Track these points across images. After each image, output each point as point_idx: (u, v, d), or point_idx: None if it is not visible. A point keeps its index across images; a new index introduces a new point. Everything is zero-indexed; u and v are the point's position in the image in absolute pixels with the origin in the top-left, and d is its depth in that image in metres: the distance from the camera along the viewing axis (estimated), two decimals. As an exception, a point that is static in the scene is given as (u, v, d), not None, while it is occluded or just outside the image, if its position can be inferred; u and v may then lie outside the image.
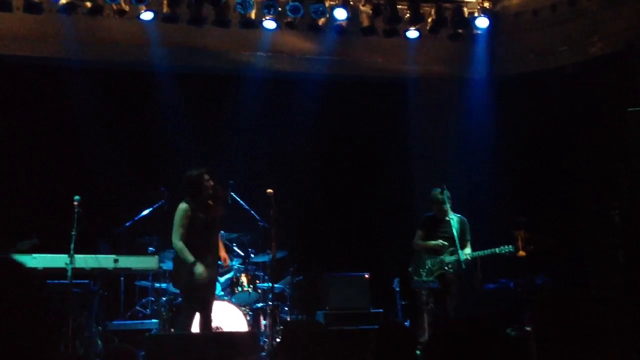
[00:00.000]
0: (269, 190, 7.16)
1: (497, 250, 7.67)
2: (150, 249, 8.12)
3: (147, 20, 8.92)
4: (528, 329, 7.23)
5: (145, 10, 8.83)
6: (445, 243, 7.73)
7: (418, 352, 4.66)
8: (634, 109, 7.12)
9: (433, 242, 7.81)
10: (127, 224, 8.15)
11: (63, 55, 9.06)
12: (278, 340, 7.98)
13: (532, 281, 8.33)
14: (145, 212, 8.22)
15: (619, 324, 6.45)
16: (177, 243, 6.72)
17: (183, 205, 6.80)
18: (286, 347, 3.63)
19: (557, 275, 8.22)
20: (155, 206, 8.21)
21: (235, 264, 8.25)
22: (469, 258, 7.64)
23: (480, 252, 7.70)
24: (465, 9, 9.45)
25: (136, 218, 8.19)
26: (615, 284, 7.21)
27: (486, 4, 9.47)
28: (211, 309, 6.97)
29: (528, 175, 9.49)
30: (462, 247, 7.66)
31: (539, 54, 9.81)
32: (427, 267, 7.79)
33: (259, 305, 8.24)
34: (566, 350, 2.43)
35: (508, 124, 9.74)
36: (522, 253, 7.77)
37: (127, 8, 8.61)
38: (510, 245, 7.61)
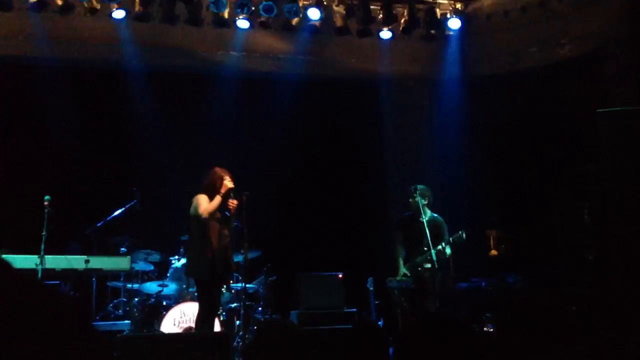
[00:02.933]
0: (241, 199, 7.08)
1: (450, 239, 7.59)
2: (122, 249, 8.05)
3: (118, 19, 8.84)
4: (488, 329, 7.32)
5: (117, 9, 8.74)
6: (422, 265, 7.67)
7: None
8: (603, 110, 7.23)
9: (403, 270, 7.77)
10: (99, 224, 8.06)
11: (33, 54, 8.94)
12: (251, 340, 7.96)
13: (503, 280, 8.41)
14: (117, 212, 8.14)
15: (588, 322, 6.55)
16: (204, 212, 6.71)
17: (203, 195, 6.85)
18: (259, 348, 3.62)
19: (529, 275, 8.32)
20: (127, 206, 8.14)
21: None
22: (441, 257, 7.56)
23: (439, 247, 7.59)
24: (437, 10, 9.51)
25: (108, 218, 8.10)
26: (585, 283, 7.31)
27: (458, 6, 9.55)
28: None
29: (500, 175, 9.58)
30: (435, 247, 7.57)
31: (510, 55, 9.92)
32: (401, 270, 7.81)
33: (232, 305, 8.20)
34: (524, 353, 2.46)
35: (480, 124, 9.83)
36: (494, 252, 7.84)
37: (98, 6, 8.51)
38: (461, 231, 7.53)
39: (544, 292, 2.79)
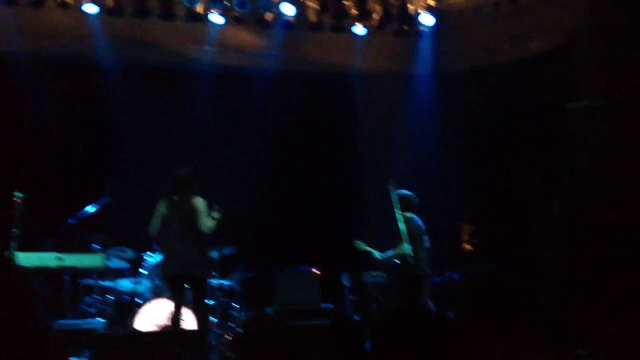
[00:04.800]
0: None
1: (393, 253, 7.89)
2: (96, 246, 7.94)
3: (91, 14, 8.75)
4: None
5: (88, 2, 8.65)
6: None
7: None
8: (572, 105, 7.32)
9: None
10: (71, 220, 7.95)
11: (4, 48, 8.81)
12: (229, 337, 7.94)
13: (475, 272, 8.47)
14: (91, 208, 8.05)
15: (558, 315, 6.65)
16: (212, 222, 6.95)
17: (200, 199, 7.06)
18: (246, 342, 3.61)
19: (502, 268, 8.40)
20: (100, 203, 8.05)
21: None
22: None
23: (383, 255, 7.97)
24: (410, 6, 9.57)
25: (80, 215, 8.00)
26: (557, 278, 7.41)
27: (430, 1, 9.59)
28: None
29: (474, 169, 9.65)
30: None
31: (483, 50, 9.98)
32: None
33: (209, 302, 8.17)
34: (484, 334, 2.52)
35: (453, 119, 9.90)
36: (467, 246, 7.92)
37: (70, 0, 8.43)
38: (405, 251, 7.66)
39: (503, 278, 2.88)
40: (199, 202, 6.99)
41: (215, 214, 6.98)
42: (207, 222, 6.91)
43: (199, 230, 6.92)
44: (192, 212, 6.93)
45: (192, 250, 6.94)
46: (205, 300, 7.40)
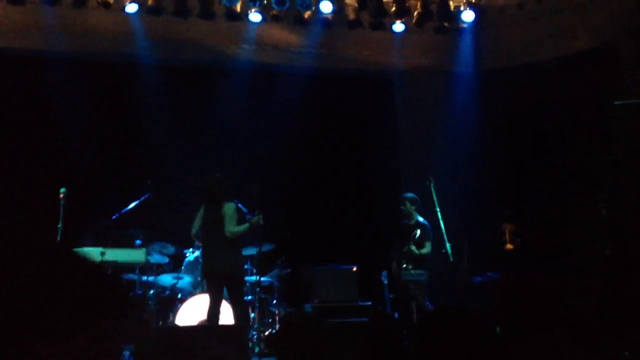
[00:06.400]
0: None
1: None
2: (137, 241, 8.04)
3: (131, 13, 8.84)
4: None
5: (130, 2, 8.75)
6: None
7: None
8: (620, 102, 7.18)
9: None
10: (114, 216, 8.06)
11: (46, 47, 8.95)
12: (267, 333, 7.98)
13: (517, 274, 8.37)
14: (132, 204, 8.14)
15: (599, 317, 6.53)
16: (238, 228, 7.30)
17: (232, 205, 7.43)
18: (284, 338, 3.62)
19: (544, 269, 8.28)
20: (141, 199, 8.13)
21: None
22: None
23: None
24: (451, 3, 9.47)
25: (123, 211, 8.10)
26: (599, 277, 7.27)
27: (472, -2, 9.50)
28: None
29: (514, 168, 9.54)
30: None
31: (524, 48, 9.86)
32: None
33: (247, 298, 8.21)
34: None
35: (494, 117, 9.79)
36: (509, 246, 7.83)
37: (111, 0, 8.53)
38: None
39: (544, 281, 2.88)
40: (228, 208, 7.35)
41: (255, 218, 7.37)
42: (232, 228, 7.27)
43: (225, 234, 7.27)
44: (222, 218, 7.29)
45: (222, 252, 7.30)
46: (244, 297, 7.63)
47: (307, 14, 9.25)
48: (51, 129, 9.11)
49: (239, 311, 7.33)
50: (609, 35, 9.01)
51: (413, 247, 8.09)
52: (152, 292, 7.95)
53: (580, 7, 9.22)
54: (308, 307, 8.19)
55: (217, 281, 7.34)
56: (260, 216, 7.38)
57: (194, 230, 7.58)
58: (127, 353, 6.11)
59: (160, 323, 7.47)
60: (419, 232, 8.14)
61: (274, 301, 8.39)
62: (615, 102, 7.14)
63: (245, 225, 7.39)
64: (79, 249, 7.30)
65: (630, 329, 6.15)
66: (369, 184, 10.28)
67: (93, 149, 9.11)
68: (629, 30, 8.74)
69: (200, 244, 7.81)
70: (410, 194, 8.51)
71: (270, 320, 8.15)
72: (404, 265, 8.08)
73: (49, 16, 8.71)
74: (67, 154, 9.06)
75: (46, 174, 8.53)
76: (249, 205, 7.78)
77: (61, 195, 6.90)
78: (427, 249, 8.19)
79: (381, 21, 9.44)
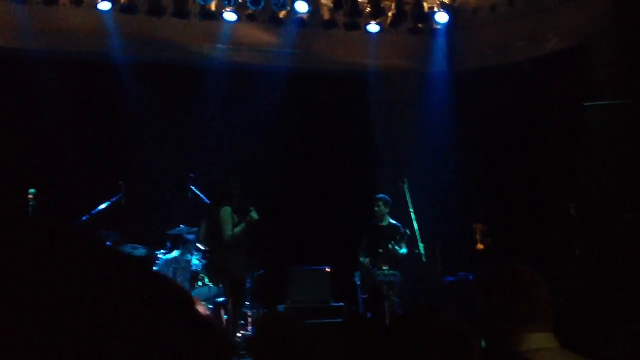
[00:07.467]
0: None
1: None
2: (108, 243, 7.94)
3: (104, 10, 8.75)
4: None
5: (102, 0, 8.66)
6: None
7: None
8: (590, 104, 7.25)
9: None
10: (84, 217, 7.95)
11: (18, 45, 8.83)
12: (240, 334, 7.93)
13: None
14: (103, 205, 8.04)
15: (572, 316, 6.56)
16: (234, 230, 7.45)
17: (228, 208, 7.54)
18: (257, 340, 3.59)
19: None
20: (112, 200, 8.04)
21: (195, 258, 8.16)
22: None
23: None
24: (425, 4, 9.51)
25: (93, 212, 8.00)
26: (571, 276, 7.33)
27: (446, -1, 9.54)
28: None
29: (488, 168, 9.58)
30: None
31: (497, 49, 9.92)
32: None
33: (220, 299, 8.15)
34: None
35: (468, 118, 9.83)
36: (480, 246, 7.87)
37: (83, -2, 8.45)
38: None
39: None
40: (223, 212, 7.52)
41: (249, 215, 7.52)
42: (229, 232, 7.45)
43: (222, 238, 7.47)
44: (220, 222, 7.49)
45: (223, 255, 7.54)
46: (244, 298, 7.92)
47: (282, 14, 9.23)
48: (21, 128, 8.97)
49: (237, 311, 7.55)
50: (581, 37, 9.09)
51: (396, 247, 8.16)
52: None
53: (552, 9, 9.30)
54: (281, 308, 8.17)
55: (224, 282, 7.62)
56: (254, 211, 7.49)
57: (200, 236, 7.92)
58: None
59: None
60: (400, 234, 8.21)
61: (247, 303, 8.33)
62: (586, 104, 7.20)
63: (242, 226, 7.53)
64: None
65: (618, 323, 6.20)
66: (343, 184, 10.26)
67: (63, 149, 8.98)
68: (601, 32, 8.82)
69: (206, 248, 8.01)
70: (383, 195, 8.55)
71: (243, 322, 8.10)
72: (384, 267, 8.09)
73: (20, 14, 8.60)
74: (36, 153, 8.92)
75: (14, 174, 8.39)
76: (239, 203, 7.78)
77: (30, 196, 6.79)
78: (404, 249, 8.21)
79: (356, 21, 9.45)
